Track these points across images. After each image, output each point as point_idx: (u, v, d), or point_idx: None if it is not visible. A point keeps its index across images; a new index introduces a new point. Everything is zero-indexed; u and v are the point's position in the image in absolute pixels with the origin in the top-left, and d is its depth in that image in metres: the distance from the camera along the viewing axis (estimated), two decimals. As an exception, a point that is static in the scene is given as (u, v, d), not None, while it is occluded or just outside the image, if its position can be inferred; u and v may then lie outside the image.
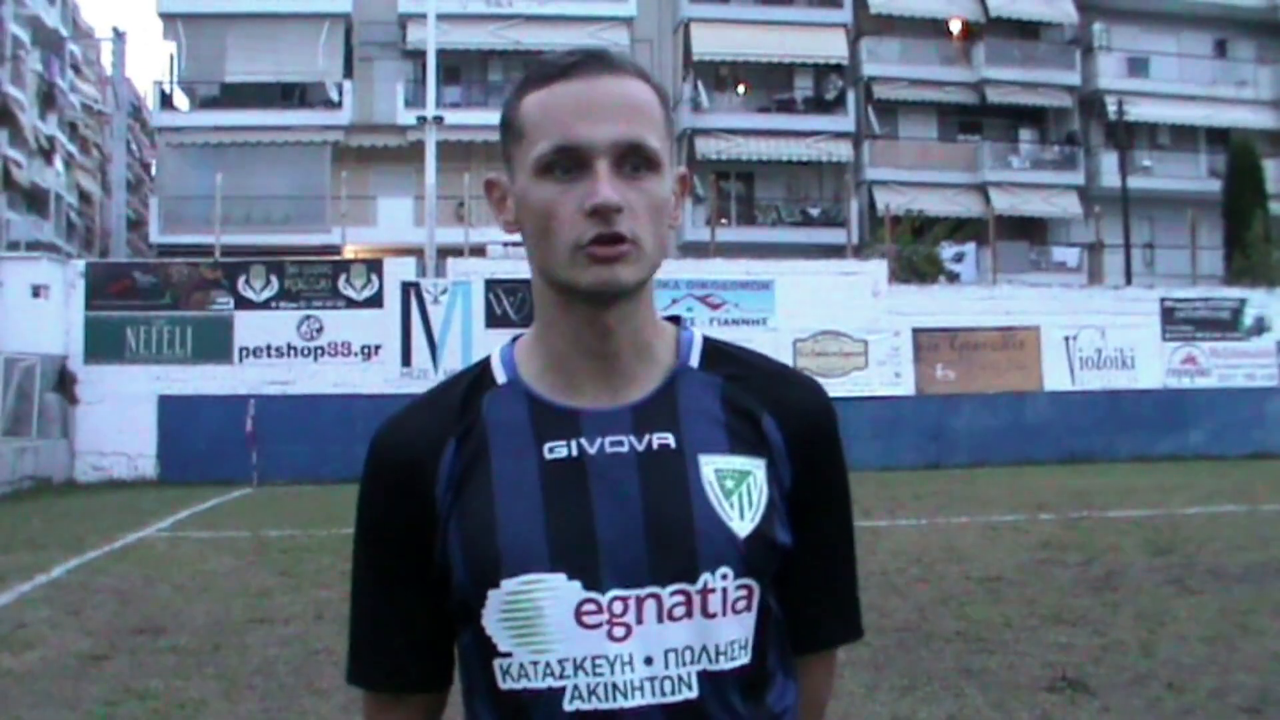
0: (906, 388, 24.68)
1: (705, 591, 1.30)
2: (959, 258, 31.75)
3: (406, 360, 22.98)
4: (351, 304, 23.10)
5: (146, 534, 13.78)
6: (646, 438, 1.34)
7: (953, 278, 29.89)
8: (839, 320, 24.33)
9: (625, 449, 1.34)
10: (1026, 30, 39.00)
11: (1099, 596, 8.61)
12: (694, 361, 1.41)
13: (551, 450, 1.34)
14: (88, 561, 11.36)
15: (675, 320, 1.46)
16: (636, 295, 1.34)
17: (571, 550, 1.30)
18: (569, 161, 1.29)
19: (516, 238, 1.39)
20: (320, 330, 23.00)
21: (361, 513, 1.40)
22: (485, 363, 1.43)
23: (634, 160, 1.30)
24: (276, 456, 21.55)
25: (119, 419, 22.14)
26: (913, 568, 10.08)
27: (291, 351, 22.96)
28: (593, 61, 1.32)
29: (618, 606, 1.29)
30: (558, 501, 1.31)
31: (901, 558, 10.53)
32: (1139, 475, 20.16)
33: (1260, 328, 26.23)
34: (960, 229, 32.96)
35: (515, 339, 1.45)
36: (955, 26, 38.74)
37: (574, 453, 1.33)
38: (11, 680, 6.61)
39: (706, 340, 1.45)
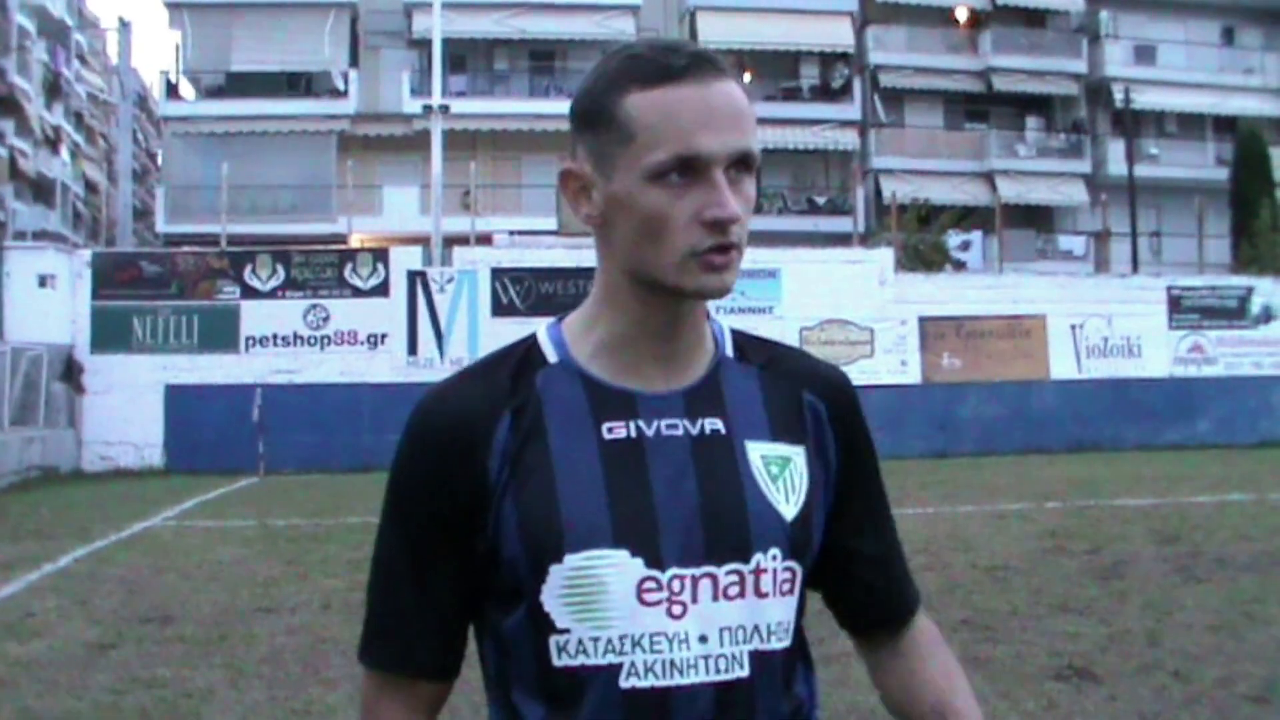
0: (913, 376, 24.65)
1: (758, 571, 1.33)
2: (965, 246, 31.71)
3: (413, 349, 22.99)
4: (358, 293, 23.11)
5: (153, 523, 13.80)
6: (699, 422, 1.37)
7: (959, 266, 29.87)
8: (845, 309, 24.31)
9: (680, 432, 1.36)
10: (1033, 18, 38.90)
11: (1105, 585, 8.60)
12: (729, 351, 1.45)
13: (610, 430, 1.35)
14: (95, 551, 11.39)
15: None
16: None
17: (634, 528, 1.31)
18: (686, 169, 1.29)
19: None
20: (326, 319, 23.02)
21: (399, 486, 1.38)
22: (531, 340, 1.42)
23: (740, 166, 1.31)
24: (283, 446, 21.58)
25: (126, 408, 22.19)
26: (919, 556, 10.05)
27: (298, 341, 22.99)
28: (703, 63, 1.30)
29: (676, 584, 1.31)
30: (618, 480, 1.33)
31: (908, 546, 10.30)
32: (1146, 464, 20.14)
33: (1267, 316, 26.19)
34: (966, 217, 32.92)
35: (560, 319, 1.44)
36: (961, 14, 38.61)
37: (632, 434, 1.35)
38: (19, 669, 6.62)
39: (733, 331, 1.48)
